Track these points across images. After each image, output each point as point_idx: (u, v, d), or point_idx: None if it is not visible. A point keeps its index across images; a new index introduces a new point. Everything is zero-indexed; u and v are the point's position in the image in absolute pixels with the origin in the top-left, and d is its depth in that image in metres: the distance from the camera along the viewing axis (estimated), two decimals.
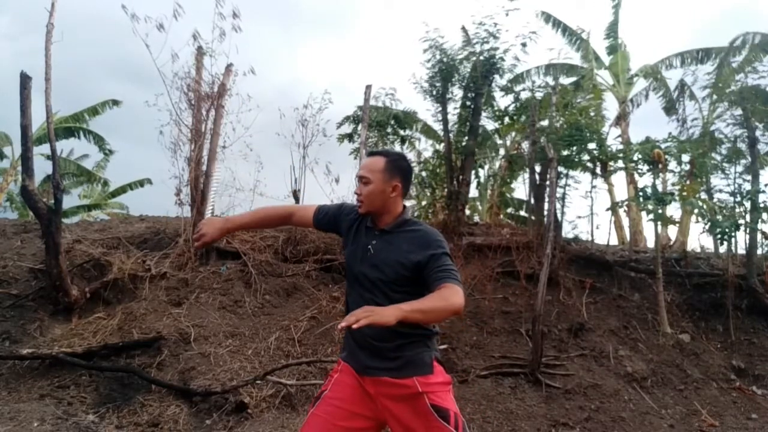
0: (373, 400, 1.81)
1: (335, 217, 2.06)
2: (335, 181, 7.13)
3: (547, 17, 12.54)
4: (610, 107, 12.79)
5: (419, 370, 1.79)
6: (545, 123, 7.52)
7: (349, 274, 1.97)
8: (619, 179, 11.83)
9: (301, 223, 2.17)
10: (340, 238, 2.09)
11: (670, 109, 10.93)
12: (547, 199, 6.84)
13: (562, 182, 7.27)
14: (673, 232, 10.55)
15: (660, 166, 6.53)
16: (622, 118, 12.74)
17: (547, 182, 6.75)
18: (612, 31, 12.66)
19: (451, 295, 1.61)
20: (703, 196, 7.05)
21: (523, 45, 7.73)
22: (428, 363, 1.81)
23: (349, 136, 8.86)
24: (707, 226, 6.47)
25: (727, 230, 6.24)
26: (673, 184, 6.94)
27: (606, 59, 13.10)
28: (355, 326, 1.44)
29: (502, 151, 11.03)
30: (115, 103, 13.96)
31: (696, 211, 6.39)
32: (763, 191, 6.66)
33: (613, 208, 8.17)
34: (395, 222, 1.91)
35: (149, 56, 5.90)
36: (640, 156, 6.61)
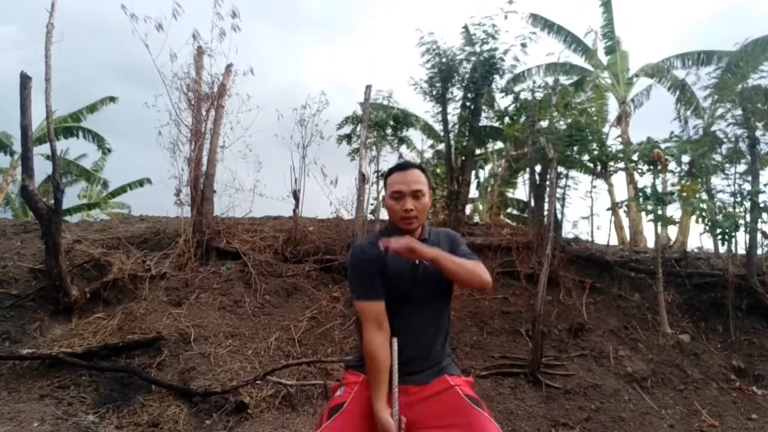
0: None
1: (373, 275, 1.79)
2: (333, 183, 7.17)
3: (544, 24, 12.51)
4: (610, 107, 12.84)
5: (450, 370, 1.86)
6: (545, 123, 7.52)
7: (394, 296, 1.79)
8: (619, 179, 11.83)
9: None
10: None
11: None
12: (547, 199, 6.83)
13: (562, 182, 7.27)
14: (673, 232, 10.56)
15: (660, 166, 6.52)
16: (622, 118, 12.74)
17: (547, 182, 6.75)
18: (609, 30, 12.66)
19: (484, 270, 1.81)
20: (704, 196, 7.03)
21: (523, 45, 7.76)
22: (454, 365, 1.91)
23: (348, 137, 8.87)
24: (707, 226, 6.46)
25: (727, 230, 6.24)
26: (672, 185, 6.93)
27: (604, 59, 13.09)
28: (393, 246, 1.65)
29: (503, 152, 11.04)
30: (112, 99, 14.04)
31: (697, 212, 6.36)
32: (763, 191, 6.67)
33: (614, 208, 8.16)
34: (426, 229, 1.92)
35: (149, 56, 5.93)
36: (639, 156, 6.60)
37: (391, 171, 1.92)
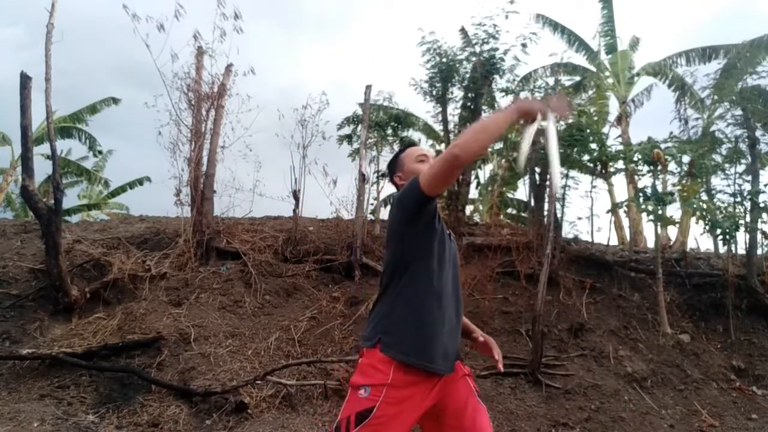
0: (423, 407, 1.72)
1: None
2: (333, 183, 7.18)
3: (547, 22, 12.47)
4: (611, 107, 12.79)
5: (460, 355, 1.86)
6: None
7: (440, 256, 1.77)
8: (619, 179, 11.78)
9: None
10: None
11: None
12: (547, 199, 6.83)
13: (563, 182, 7.26)
14: (673, 232, 10.55)
15: (660, 166, 6.52)
16: (622, 118, 12.71)
17: (547, 182, 6.74)
18: (609, 29, 12.59)
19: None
20: (704, 196, 7.03)
21: (524, 45, 7.74)
22: None
23: (348, 138, 8.86)
24: (708, 227, 6.46)
25: (727, 230, 6.24)
26: (673, 185, 6.94)
27: (604, 58, 13.03)
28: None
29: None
30: (115, 101, 13.82)
31: (697, 213, 6.36)
32: (763, 191, 6.67)
33: (614, 210, 8.14)
34: None
35: (151, 57, 5.94)
36: (639, 156, 6.60)
37: (403, 149, 2.05)
